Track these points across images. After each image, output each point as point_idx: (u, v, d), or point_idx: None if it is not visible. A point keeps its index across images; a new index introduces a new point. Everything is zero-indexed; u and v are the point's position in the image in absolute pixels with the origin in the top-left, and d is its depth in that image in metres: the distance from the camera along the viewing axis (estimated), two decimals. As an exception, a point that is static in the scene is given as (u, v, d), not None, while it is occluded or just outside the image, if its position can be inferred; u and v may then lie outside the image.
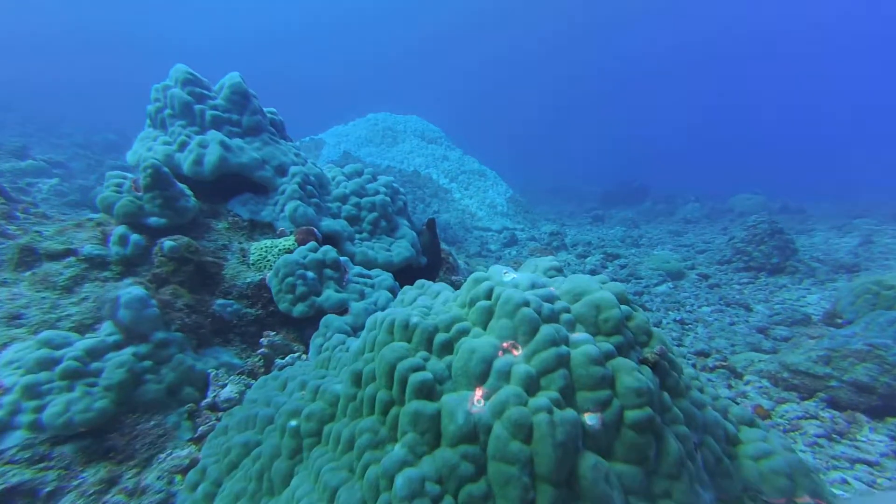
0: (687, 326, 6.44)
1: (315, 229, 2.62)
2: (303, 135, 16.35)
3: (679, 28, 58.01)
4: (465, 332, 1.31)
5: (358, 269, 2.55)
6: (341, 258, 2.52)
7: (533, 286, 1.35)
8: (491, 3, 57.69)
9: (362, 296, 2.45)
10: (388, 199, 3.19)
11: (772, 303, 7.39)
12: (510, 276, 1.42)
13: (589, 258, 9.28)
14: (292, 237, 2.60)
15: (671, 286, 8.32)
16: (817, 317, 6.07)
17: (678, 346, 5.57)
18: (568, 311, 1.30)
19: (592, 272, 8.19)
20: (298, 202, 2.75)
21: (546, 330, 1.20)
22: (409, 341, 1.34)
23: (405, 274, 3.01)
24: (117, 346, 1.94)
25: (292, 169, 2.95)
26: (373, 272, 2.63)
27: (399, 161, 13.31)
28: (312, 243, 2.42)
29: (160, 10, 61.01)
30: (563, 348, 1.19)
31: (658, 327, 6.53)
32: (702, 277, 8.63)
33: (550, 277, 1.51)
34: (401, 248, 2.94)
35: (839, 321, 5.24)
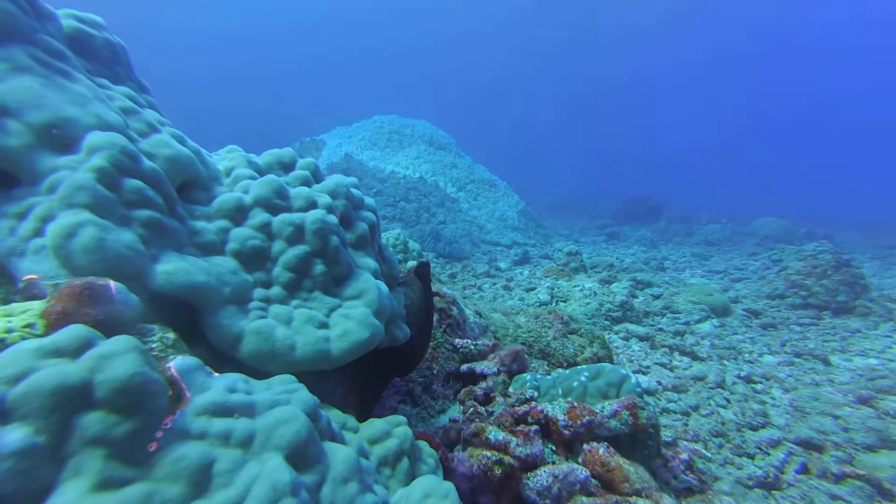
0: (758, 387, 4.65)
1: (113, 285, 0.90)
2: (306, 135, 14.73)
3: (685, 46, 55.68)
4: None
5: (225, 383, 0.83)
6: (175, 366, 0.82)
7: None
8: (501, 11, 55.37)
9: (199, 484, 0.65)
10: (332, 218, 1.43)
11: (850, 353, 5.59)
12: None
13: (615, 284, 7.50)
14: (41, 305, 0.89)
15: (717, 324, 6.54)
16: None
17: (759, 425, 3.79)
18: None
19: (623, 304, 6.40)
20: (87, 214, 0.98)
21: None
22: None
23: (362, 361, 1.30)
24: None
25: (92, 137, 1.11)
26: (269, 390, 0.90)
27: (404, 167, 11.64)
28: (79, 329, 0.71)
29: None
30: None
31: (722, 388, 4.72)
32: (750, 314, 6.85)
33: None
34: (351, 320, 1.16)
35: None
